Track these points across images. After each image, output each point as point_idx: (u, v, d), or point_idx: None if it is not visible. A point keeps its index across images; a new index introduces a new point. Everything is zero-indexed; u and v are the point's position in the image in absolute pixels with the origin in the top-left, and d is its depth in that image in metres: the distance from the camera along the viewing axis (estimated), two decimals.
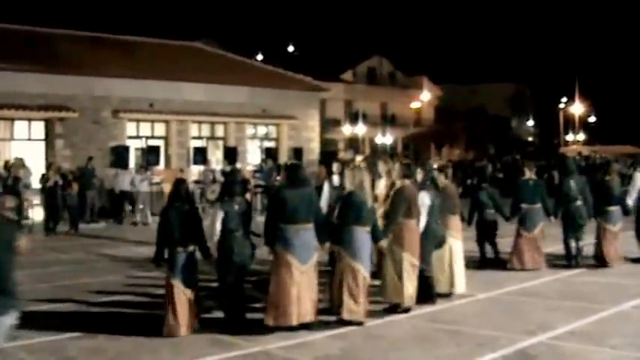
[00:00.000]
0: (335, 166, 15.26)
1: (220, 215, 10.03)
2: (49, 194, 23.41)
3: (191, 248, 9.95)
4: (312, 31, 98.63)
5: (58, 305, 11.94)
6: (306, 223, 10.01)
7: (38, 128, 30.36)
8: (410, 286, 10.96)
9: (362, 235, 10.42)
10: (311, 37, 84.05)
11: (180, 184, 10.35)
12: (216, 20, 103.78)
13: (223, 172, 27.29)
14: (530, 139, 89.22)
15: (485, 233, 15.39)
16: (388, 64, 70.68)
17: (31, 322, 10.66)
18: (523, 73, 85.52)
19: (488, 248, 15.41)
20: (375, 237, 10.70)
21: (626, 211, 15.58)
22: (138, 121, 33.20)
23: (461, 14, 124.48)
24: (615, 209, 15.24)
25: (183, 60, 36.53)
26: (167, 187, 26.17)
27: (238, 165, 30.36)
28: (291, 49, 72.20)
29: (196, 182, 29.38)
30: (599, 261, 15.07)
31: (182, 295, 9.82)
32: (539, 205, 14.84)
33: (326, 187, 13.20)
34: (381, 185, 12.46)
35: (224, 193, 10.51)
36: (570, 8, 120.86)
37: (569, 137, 75.65)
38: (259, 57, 60.27)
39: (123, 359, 8.97)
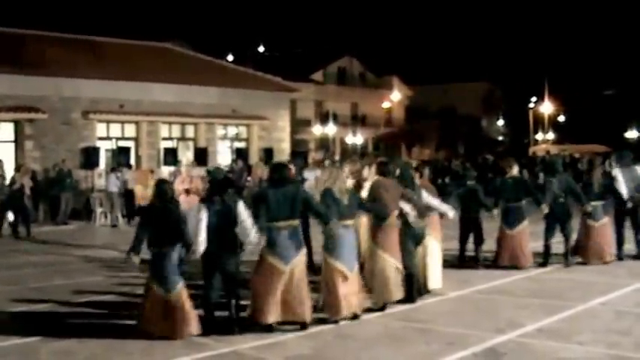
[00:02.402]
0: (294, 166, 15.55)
1: (205, 215, 9.97)
2: (16, 197, 23.26)
3: (169, 249, 9.83)
4: (282, 32, 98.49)
5: (29, 307, 11.87)
6: (290, 221, 10.04)
7: (7, 130, 30.18)
8: (386, 283, 11.14)
9: (340, 230, 10.45)
10: (281, 37, 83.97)
11: (162, 183, 10.38)
12: (186, 21, 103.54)
13: (208, 172, 27.18)
14: (500, 138, 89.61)
15: (468, 230, 15.44)
16: (358, 64, 70.71)
17: (1, 324, 10.63)
18: (493, 73, 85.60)
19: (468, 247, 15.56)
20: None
21: (623, 204, 15.72)
22: (108, 122, 33.11)
23: (431, 15, 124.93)
24: (597, 205, 15.41)
25: (153, 61, 36.45)
26: (138, 189, 26.11)
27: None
28: (261, 49, 72.08)
29: None
30: (576, 254, 15.33)
31: (159, 296, 9.71)
32: (522, 203, 14.94)
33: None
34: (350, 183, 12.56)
35: (209, 192, 10.44)
36: (540, 8, 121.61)
37: (539, 136, 76.06)
38: (229, 58, 60.16)
39: None
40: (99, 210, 26.63)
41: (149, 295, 9.84)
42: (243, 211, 10.03)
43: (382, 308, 11.09)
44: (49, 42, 34.36)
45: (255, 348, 9.21)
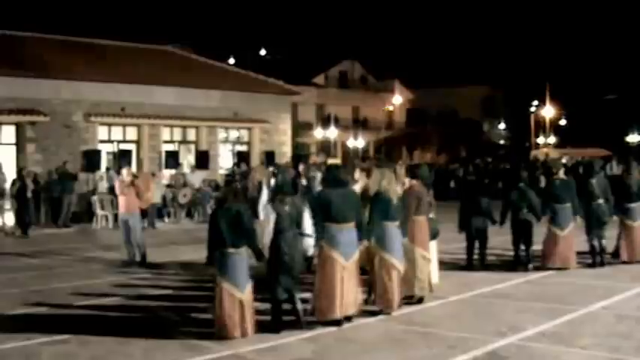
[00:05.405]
0: (301, 167, 15.80)
1: (273, 216, 10.18)
2: (16, 199, 23.38)
3: (241, 249, 9.92)
4: (283, 35, 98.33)
5: (29, 310, 11.86)
6: (349, 222, 10.54)
7: (9, 132, 30.11)
8: (422, 277, 11.84)
9: (392, 230, 11.12)
10: (283, 41, 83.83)
11: (230, 184, 10.57)
12: (188, 24, 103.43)
13: (228, 175, 27.31)
14: (501, 142, 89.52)
15: (520, 233, 15.26)
16: (360, 67, 70.80)
17: (1, 327, 10.62)
18: (494, 77, 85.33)
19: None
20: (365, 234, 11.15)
21: None
22: (109, 125, 33.03)
23: (432, 18, 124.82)
24: (636, 206, 15.62)
25: (154, 64, 36.39)
26: None
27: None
28: (263, 52, 72.09)
29: (168, 186, 29.30)
30: (617, 257, 15.67)
31: (231, 296, 9.77)
32: (569, 205, 14.99)
33: (264, 190, 13.66)
34: (357, 188, 12.67)
35: (276, 193, 10.70)
36: (541, 13, 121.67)
37: (540, 140, 76.01)
38: (231, 61, 60.08)
39: None
40: (100, 213, 26.60)
41: (222, 296, 9.84)
42: (307, 220, 10.45)
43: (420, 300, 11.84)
44: (50, 44, 34.32)
45: (255, 351, 9.21)
